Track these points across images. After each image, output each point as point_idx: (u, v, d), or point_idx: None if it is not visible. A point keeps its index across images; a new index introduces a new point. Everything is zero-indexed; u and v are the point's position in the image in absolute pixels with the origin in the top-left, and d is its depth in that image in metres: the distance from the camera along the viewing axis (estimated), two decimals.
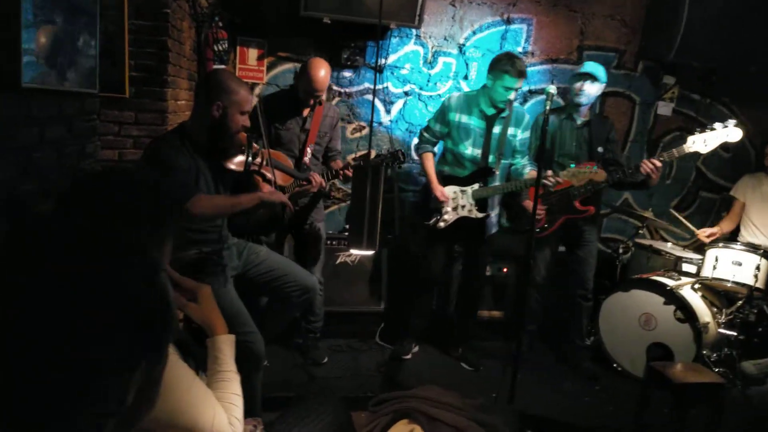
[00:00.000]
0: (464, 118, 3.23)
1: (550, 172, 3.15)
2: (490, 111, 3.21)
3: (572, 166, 3.09)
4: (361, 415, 1.98)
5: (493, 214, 3.38)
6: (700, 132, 3.14)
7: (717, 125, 3.11)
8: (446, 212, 3.26)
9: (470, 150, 3.24)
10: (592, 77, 3.33)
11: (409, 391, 1.96)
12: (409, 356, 3.53)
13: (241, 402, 1.42)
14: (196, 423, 1.26)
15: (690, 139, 3.15)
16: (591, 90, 3.36)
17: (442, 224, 3.27)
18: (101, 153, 3.04)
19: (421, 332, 3.67)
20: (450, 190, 3.26)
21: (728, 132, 3.09)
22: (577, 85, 3.37)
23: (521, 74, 3.06)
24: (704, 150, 3.14)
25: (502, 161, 3.26)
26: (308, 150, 3.18)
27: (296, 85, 3.17)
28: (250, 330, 2.27)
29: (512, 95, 3.13)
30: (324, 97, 3.15)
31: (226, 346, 1.48)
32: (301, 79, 3.07)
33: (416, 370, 3.41)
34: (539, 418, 2.99)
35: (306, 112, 3.18)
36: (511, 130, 3.24)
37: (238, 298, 2.37)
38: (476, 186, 3.24)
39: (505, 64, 3.05)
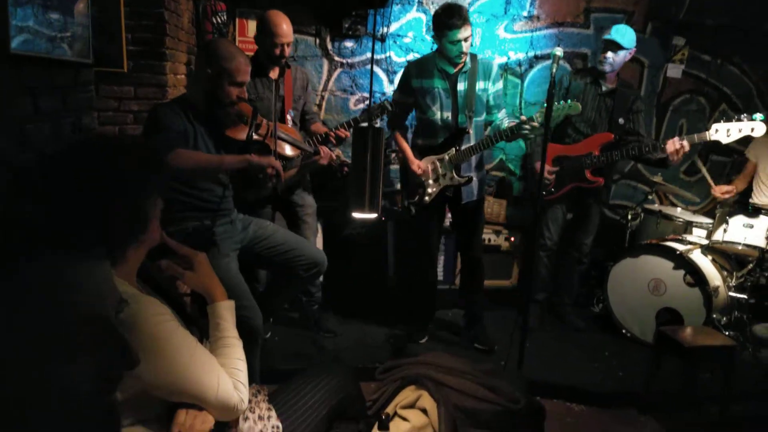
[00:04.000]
0: (426, 82, 3.06)
1: (523, 117, 2.96)
2: (450, 69, 3.04)
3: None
4: (370, 386, 1.98)
5: (476, 177, 3.17)
6: (725, 120, 3.04)
7: (744, 117, 3.01)
8: (428, 185, 3.14)
9: (439, 114, 3.06)
10: (616, 45, 3.23)
11: (417, 358, 1.95)
12: (425, 339, 3.42)
13: (245, 367, 1.42)
14: (201, 388, 1.26)
15: (714, 126, 3.06)
16: (616, 59, 3.28)
17: (427, 199, 3.15)
18: (102, 129, 3.03)
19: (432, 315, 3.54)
20: (427, 162, 3.13)
21: (754, 126, 2.99)
22: (600, 54, 3.30)
23: (465, 21, 2.85)
24: (725, 140, 3.05)
25: (475, 119, 3.07)
26: (288, 117, 3.09)
27: (258, 48, 3.03)
28: (248, 305, 2.25)
29: (465, 47, 2.92)
30: (288, 51, 2.98)
31: (226, 312, 1.47)
32: (263, 36, 2.92)
33: (425, 343, 3.41)
34: (548, 384, 2.99)
35: (275, 74, 3.04)
36: (480, 84, 3.05)
37: (238, 272, 2.36)
38: (452, 151, 3.07)
39: (444, 20, 2.86)
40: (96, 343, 0.82)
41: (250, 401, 1.48)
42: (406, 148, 3.19)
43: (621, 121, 3.34)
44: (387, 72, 4.13)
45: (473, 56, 3.08)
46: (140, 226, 1.25)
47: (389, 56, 4.10)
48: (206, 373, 1.28)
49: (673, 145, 3.05)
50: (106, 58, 2.93)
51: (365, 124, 2.03)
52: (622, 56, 3.29)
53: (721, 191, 3.90)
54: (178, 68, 3.34)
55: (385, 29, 4.03)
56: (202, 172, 2.26)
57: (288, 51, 2.99)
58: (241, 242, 2.49)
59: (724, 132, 3.04)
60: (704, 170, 4.08)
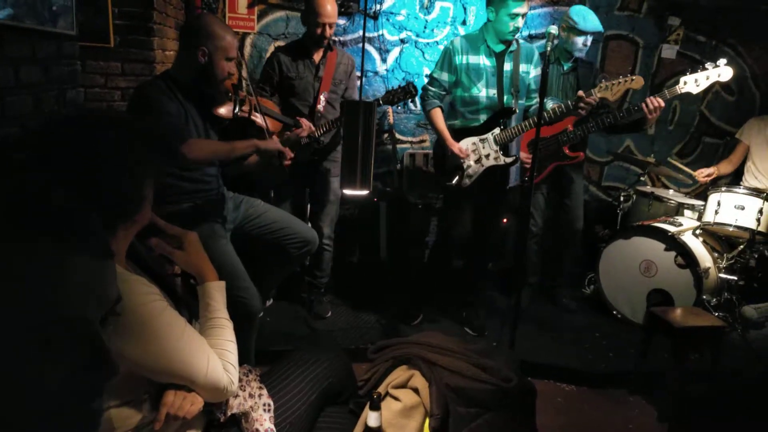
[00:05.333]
0: (472, 59, 2.98)
1: (581, 92, 2.92)
2: (498, 47, 2.98)
3: (603, 80, 2.93)
4: (362, 367, 1.96)
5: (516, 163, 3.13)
6: (691, 72, 3.05)
7: (708, 65, 3.02)
8: (469, 166, 3.01)
9: (484, 92, 2.98)
10: (596, 33, 3.26)
11: (409, 338, 1.94)
12: (418, 320, 3.39)
13: (235, 348, 1.40)
14: (190, 370, 1.24)
15: (682, 79, 3.06)
16: (589, 43, 3.30)
17: (467, 181, 3.03)
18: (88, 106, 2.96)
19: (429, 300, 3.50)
20: (467, 143, 3.01)
21: (720, 71, 3.00)
22: (580, 39, 3.26)
23: None
24: (695, 90, 3.06)
25: (519, 102, 3.03)
26: (321, 98, 3.09)
27: (306, 29, 3.07)
28: (245, 285, 2.24)
29: (520, 22, 2.87)
30: (331, 32, 3.00)
31: (216, 292, 1.45)
32: (308, 15, 2.96)
33: (417, 325, 3.40)
34: (539, 364, 3.01)
35: (318, 57, 3.09)
36: (523, 67, 3.02)
37: (234, 252, 2.34)
38: (497, 130, 2.98)
39: None
40: (72, 346, 0.78)
41: (240, 381, 1.46)
42: (444, 128, 3.04)
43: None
44: (380, 50, 4.06)
45: (516, 40, 3.01)
46: (134, 205, 1.22)
47: (382, 34, 4.03)
48: (195, 354, 1.26)
49: (651, 103, 3.04)
50: (92, 33, 2.86)
51: (357, 100, 2.01)
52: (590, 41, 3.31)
53: (702, 175, 3.93)
54: (166, 44, 3.27)
55: (378, 6, 3.96)
56: (215, 160, 2.25)
57: (330, 32, 2.99)
58: (234, 222, 2.46)
59: (693, 83, 3.03)
60: (679, 164, 4.13)
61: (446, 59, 3.04)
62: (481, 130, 3.02)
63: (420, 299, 3.47)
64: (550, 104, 3.08)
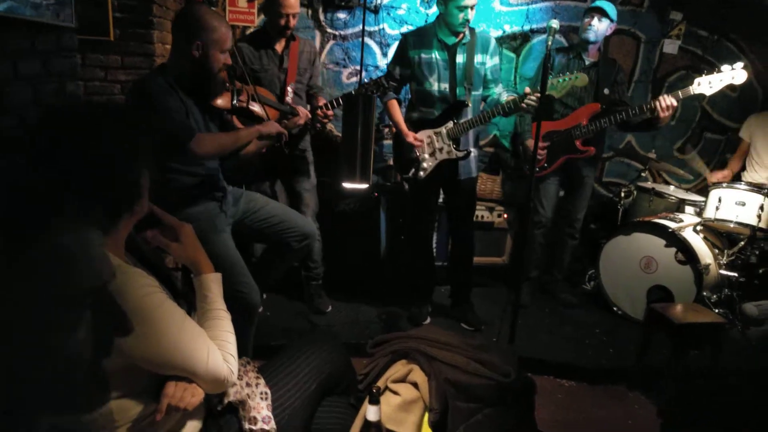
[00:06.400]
0: (424, 53, 3.00)
1: (527, 89, 2.87)
2: (451, 39, 2.98)
3: (554, 79, 2.86)
4: (362, 362, 1.97)
5: (473, 153, 3.14)
6: (707, 74, 3.05)
7: (724, 67, 3.02)
8: (423, 159, 3.08)
9: (436, 85, 3.00)
10: (602, 12, 3.23)
11: (408, 332, 1.94)
12: (427, 321, 3.39)
13: (234, 339, 1.40)
14: (190, 361, 1.25)
15: (696, 80, 3.06)
16: (600, 27, 3.27)
17: (422, 173, 3.09)
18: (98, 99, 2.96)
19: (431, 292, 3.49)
20: (423, 135, 3.06)
21: (734, 74, 3.01)
22: (586, 20, 3.28)
23: None
24: (709, 92, 3.06)
25: (473, 93, 3.03)
26: (289, 89, 3.07)
27: (266, 21, 3.04)
28: (245, 279, 2.23)
29: (470, 14, 2.87)
30: (294, 23, 2.97)
31: (213, 284, 1.44)
32: (269, 5, 2.93)
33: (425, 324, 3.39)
34: (539, 360, 3.01)
35: (280, 47, 3.06)
36: (478, 57, 3.01)
37: (234, 247, 2.33)
38: (450, 124, 3.01)
39: None
40: (93, 312, 0.80)
41: (238, 371, 1.46)
42: (400, 120, 3.11)
43: (606, 91, 3.36)
44: (380, 44, 4.05)
45: (471, 30, 3.02)
46: (136, 196, 1.24)
47: (382, 28, 4.02)
48: (195, 346, 1.26)
49: (664, 101, 3.04)
50: (92, 26, 2.85)
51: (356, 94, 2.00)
52: (605, 26, 3.28)
53: (716, 177, 3.93)
54: (166, 37, 3.26)
55: (379, 1, 3.94)
56: (223, 154, 2.25)
57: (293, 22, 2.96)
58: (234, 216, 2.45)
59: (707, 84, 3.04)
60: (698, 161, 4.11)
61: (399, 53, 3.09)
62: (436, 123, 3.06)
63: (424, 298, 3.46)
64: (504, 97, 3.06)
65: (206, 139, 2.14)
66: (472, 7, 2.86)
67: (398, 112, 3.12)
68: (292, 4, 2.88)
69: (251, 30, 3.79)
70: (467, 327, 3.34)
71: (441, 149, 3.06)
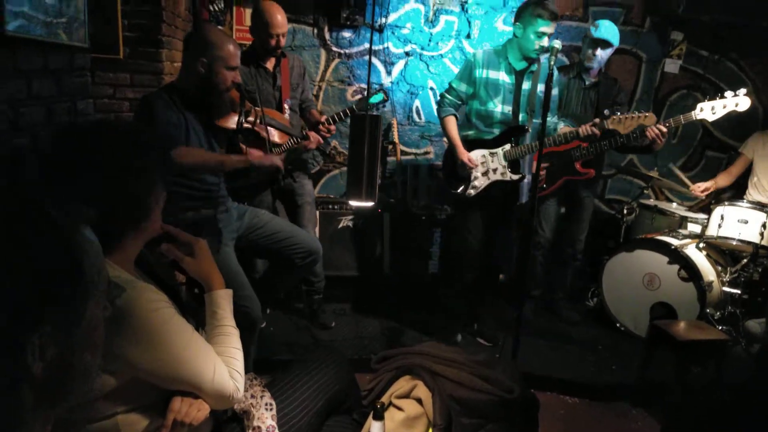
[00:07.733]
0: (492, 74, 2.99)
1: (597, 120, 2.97)
2: (520, 65, 3.00)
3: (617, 113, 2.94)
4: (365, 377, 1.98)
5: (527, 179, 3.12)
6: (710, 99, 3.04)
7: (728, 93, 3.01)
8: (476, 178, 3.05)
9: (500, 107, 2.99)
10: (606, 43, 3.27)
11: (412, 348, 1.95)
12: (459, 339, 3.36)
13: (242, 356, 1.41)
14: (197, 376, 1.26)
15: (699, 105, 3.05)
16: (603, 55, 3.32)
17: (472, 191, 3.07)
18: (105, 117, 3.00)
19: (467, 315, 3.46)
20: (477, 154, 3.04)
21: (738, 101, 2.99)
22: (589, 51, 3.31)
23: (555, 16, 2.85)
24: (711, 118, 3.05)
25: (534, 119, 3.03)
26: (285, 106, 3.09)
27: (254, 40, 3.05)
28: (247, 294, 2.25)
29: (545, 41, 2.87)
30: (284, 41, 2.99)
31: (224, 300, 1.46)
32: (258, 27, 2.94)
33: (420, 336, 3.40)
34: (542, 376, 3.00)
35: (271, 65, 3.06)
36: (541, 87, 3.01)
37: (236, 261, 2.35)
38: (507, 146, 3.02)
39: (536, 7, 2.82)
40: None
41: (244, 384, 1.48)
42: (456, 137, 3.06)
43: (606, 112, 3.35)
44: (385, 63, 4.11)
45: (539, 56, 3.01)
46: (142, 213, 1.26)
47: (387, 47, 4.07)
48: (202, 361, 1.27)
49: (651, 132, 3.04)
50: (103, 44, 2.90)
51: (362, 113, 2.04)
52: (608, 53, 3.33)
53: (699, 189, 3.92)
54: (174, 56, 3.32)
55: (384, 20, 4.01)
56: (202, 170, 2.28)
57: (283, 41, 2.99)
58: (237, 231, 2.48)
59: (709, 110, 3.03)
60: (678, 172, 4.14)
61: (467, 71, 3.06)
62: (493, 144, 3.05)
63: (461, 320, 3.44)
64: (561, 126, 3.12)
65: (188, 152, 2.17)
66: (549, 35, 2.86)
67: (455, 129, 3.09)
68: (281, 24, 2.90)
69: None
70: (486, 343, 3.34)
71: (495, 170, 3.05)
